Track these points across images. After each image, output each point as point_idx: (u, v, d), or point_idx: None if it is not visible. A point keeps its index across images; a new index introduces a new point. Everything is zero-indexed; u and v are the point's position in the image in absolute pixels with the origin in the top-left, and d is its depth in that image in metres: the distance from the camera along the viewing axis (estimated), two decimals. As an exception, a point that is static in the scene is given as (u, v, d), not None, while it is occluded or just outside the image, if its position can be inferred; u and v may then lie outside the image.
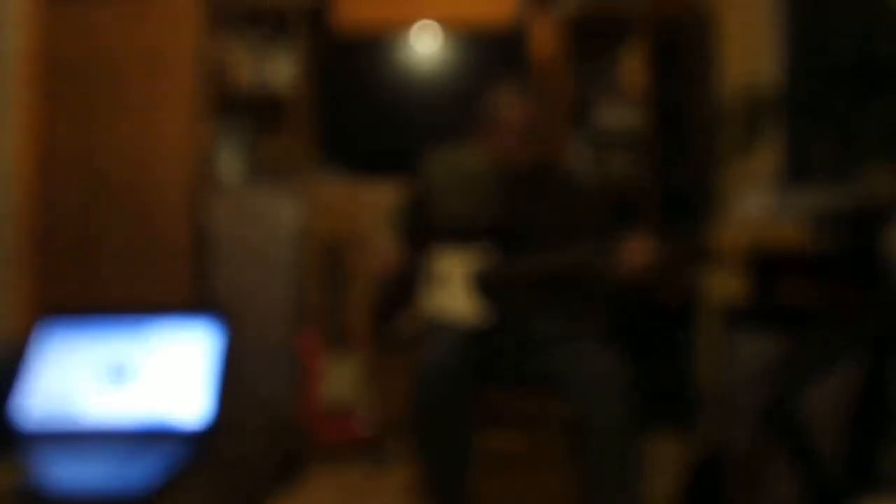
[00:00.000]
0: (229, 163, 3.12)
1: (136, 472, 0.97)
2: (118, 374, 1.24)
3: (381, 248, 1.89)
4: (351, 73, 3.21)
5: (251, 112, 3.24)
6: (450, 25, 3.22)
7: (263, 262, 2.89)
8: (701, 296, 2.52)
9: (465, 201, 1.84)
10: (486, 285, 1.73)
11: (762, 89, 2.09)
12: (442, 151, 1.96)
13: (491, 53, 3.17)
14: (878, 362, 1.13)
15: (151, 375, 1.25)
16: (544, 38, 3.44)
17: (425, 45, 3.21)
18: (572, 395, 1.62)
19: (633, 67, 3.15)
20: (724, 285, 2.30)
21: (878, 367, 1.13)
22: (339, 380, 2.66)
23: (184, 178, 2.92)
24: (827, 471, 1.02)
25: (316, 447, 2.61)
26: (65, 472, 1.00)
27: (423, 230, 1.98)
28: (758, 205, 1.69)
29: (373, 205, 2.94)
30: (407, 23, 3.26)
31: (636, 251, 1.48)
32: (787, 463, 1.34)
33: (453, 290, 1.75)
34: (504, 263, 1.70)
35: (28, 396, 1.23)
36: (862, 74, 1.72)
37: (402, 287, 1.88)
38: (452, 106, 3.07)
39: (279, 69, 3.17)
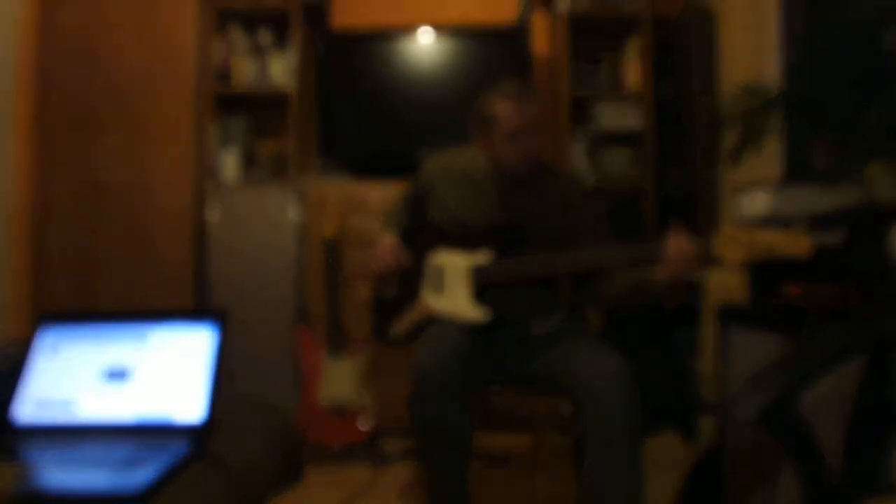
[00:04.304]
0: (229, 163, 3.12)
1: (135, 472, 0.96)
2: (117, 374, 1.24)
3: (379, 247, 1.89)
4: (351, 72, 3.21)
5: (251, 112, 3.25)
6: (450, 25, 3.22)
7: (263, 262, 2.89)
8: (701, 296, 2.52)
9: (465, 202, 1.83)
10: (486, 285, 1.73)
11: (762, 89, 2.09)
12: (441, 152, 1.96)
13: (491, 53, 3.17)
14: (879, 362, 1.13)
15: (150, 375, 1.25)
16: (544, 38, 3.44)
17: (425, 44, 3.20)
18: (572, 395, 1.62)
19: (633, 67, 3.15)
20: (723, 285, 2.30)
21: (878, 367, 1.13)
22: (339, 380, 2.66)
23: (184, 178, 2.92)
24: (828, 471, 1.02)
25: (316, 447, 2.61)
26: (63, 471, 0.99)
27: (421, 230, 1.98)
28: (757, 205, 1.69)
29: (373, 205, 2.94)
30: (407, 22, 3.27)
31: (682, 253, 1.44)
32: (787, 463, 1.34)
33: (452, 290, 1.75)
34: (504, 264, 1.70)
35: (26, 396, 1.23)
36: (863, 74, 1.72)
37: (401, 286, 1.88)
38: (452, 106, 3.07)
39: (279, 69, 3.17)
